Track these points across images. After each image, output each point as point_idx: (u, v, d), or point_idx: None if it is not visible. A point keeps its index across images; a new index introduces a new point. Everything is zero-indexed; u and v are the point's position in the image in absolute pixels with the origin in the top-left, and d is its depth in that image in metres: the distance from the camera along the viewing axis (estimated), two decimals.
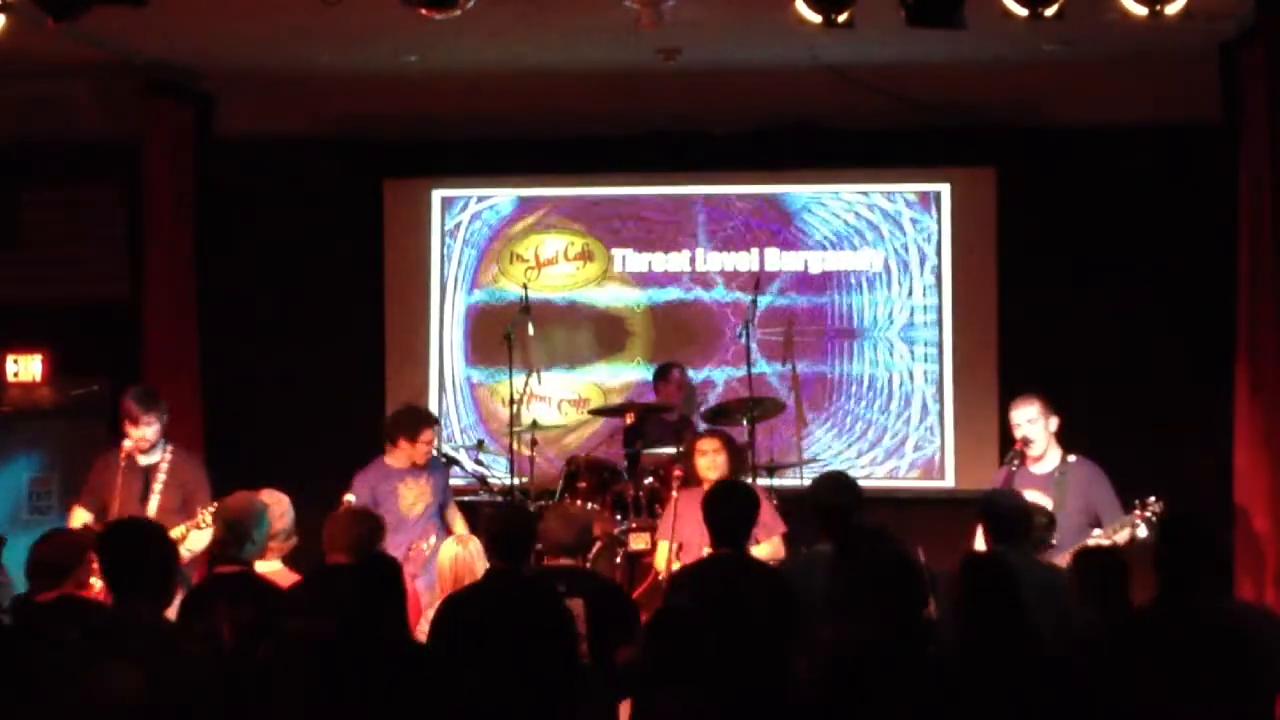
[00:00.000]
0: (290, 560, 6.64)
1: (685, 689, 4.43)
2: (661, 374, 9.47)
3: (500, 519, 6.09)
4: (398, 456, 7.89)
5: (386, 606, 4.97)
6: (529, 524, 6.02)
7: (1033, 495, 7.21)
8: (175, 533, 7.11)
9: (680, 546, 7.30)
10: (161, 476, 7.45)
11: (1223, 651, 4.64)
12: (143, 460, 7.44)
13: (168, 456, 7.51)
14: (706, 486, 7.34)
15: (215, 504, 7.22)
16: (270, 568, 6.39)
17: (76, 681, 4.49)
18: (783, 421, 9.31)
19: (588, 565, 7.83)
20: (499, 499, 8.73)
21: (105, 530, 5.47)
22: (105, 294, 9.86)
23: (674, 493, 7.62)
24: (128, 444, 7.40)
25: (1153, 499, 6.90)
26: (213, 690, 4.80)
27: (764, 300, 9.43)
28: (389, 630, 4.90)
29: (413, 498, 7.83)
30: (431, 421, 8.10)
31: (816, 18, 6.71)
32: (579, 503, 8.37)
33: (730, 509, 6.14)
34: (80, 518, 7.48)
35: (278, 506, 6.59)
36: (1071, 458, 7.28)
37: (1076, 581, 5.54)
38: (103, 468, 7.53)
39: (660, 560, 7.53)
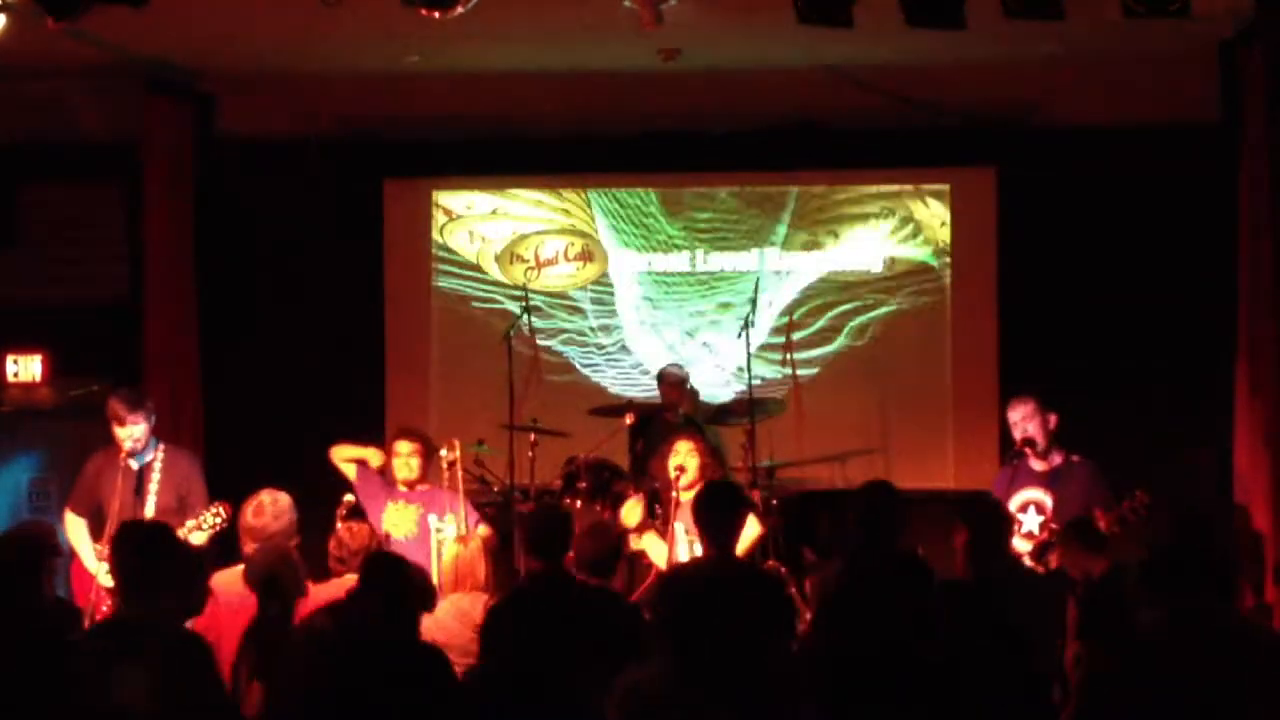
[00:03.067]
0: None
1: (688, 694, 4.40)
2: (660, 375, 9.47)
3: (539, 519, 6.12)
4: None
5: (393, 603, 4.98)
6: (568, 523, 6.06)
7: (1033, 493, 7.24)
8: (182, 532, 7.12)
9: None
10: (156, 476, 7.44)
11: (1259, 663, 4.56)
12: (135, 462, 7.43)
13: (160, 456, 7.50)
14: (679, 486, 7.38)
15: (216, 504, 7.23)
16: None
17: (83, 683, 4.51)
18: (783, 421, 9.31)
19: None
20: (499, 498, 8.73)
21: (119, 533, 5.48)
22: (105, 294, 9.85)
23: (674, 493, 7.62)
24: (127, 445, 7.39)
25: (1139, 493, 6.90)
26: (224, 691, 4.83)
27: (764, 299, 9.45)
28: (395, 627, 4.91)
29: (397, 519, 7.74)
30: (399, 434, 7.97)
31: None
32: (577, 503, 8.37)
33: (721, 510, 6.14)
34: (74, 523, 7.45)
35: (275, 506, 6.59)
36: (1075, 458, 7.29)
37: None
38: (96, 470, 7.51)
39: (656, 556, 7.54)
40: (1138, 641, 4.74)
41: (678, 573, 6.34)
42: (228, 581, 6.24)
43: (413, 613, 5.15)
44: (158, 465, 7.46)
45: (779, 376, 9.63)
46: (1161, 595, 4.80)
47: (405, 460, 7.78)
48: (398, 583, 5.24)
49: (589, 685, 4.59)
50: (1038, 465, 7.32)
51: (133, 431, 7.38)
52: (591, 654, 5.03)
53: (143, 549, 5.12)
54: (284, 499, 6.64)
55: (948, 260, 9.89)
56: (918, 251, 9.92)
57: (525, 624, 5.46)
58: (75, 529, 7.42)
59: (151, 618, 4.92)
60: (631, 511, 7.76)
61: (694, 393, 9.46)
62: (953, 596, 5.03)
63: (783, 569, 7.94)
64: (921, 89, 9.39)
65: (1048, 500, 7.19)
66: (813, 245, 9.98)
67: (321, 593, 6.11)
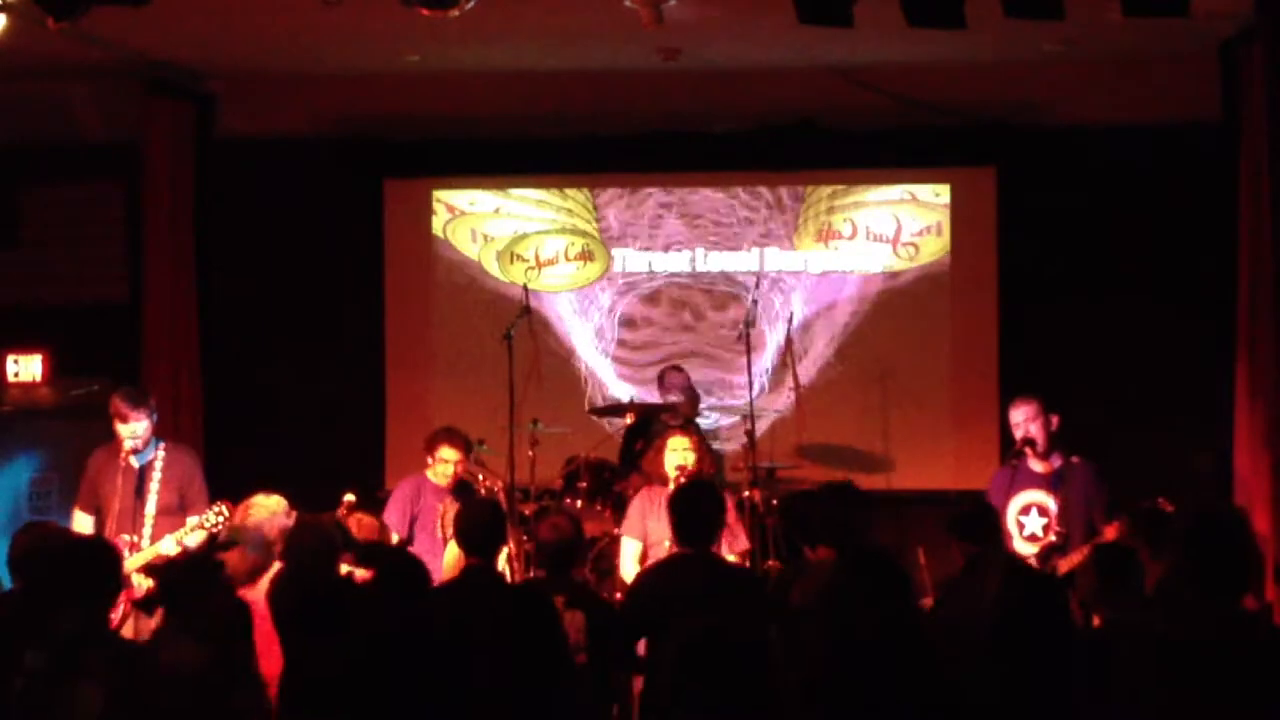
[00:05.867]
0: None
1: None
2: (660, 377, 9.47)
3: (469, 513, 6.11)
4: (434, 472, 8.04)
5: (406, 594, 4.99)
6: (499, 517, 6.08)
7: (1034, 494, 7.23)
8: (181, 533, 7.13)
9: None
10: (157, 475, 7.45)
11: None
12: (136, 460, 7.43)
13: (161, 454, 7.50)
14: (673, 484, 7.35)
15: (219, 504, 7.21)
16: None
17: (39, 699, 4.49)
18: (783, 421, 9.31)
19: (587, 572, 7.92)
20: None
21: (72, 547, 5.50)
22: (105, 294, 9.86)
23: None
24: (128, 444, 7.39)
25: (1160, 500, 6.90)
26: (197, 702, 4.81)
27: (764, 300, 9.45)
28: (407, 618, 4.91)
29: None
30: (448, 439, 8.07)
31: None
32: (577, 503, 8.36)
33: (699, 508, 6.12)
34: (81, 521, 7.47)
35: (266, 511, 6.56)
36: (1074, 459, 7.29)
37: (1093, 577, 5.52)
38: (98, 467, 7.52)
39: (630, 563, 7.54)
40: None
41: (652, 570, 6.33)
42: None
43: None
44: (159, 464, 7.46)
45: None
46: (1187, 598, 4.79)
47: (451, 465, 8.00)
48: (411, 574, 5.27)
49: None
50: (1038, 467, 7.30)
51: (135, 429, 7.39)
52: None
53: (90, 565, 5.13)
54: (276, 504, 6.61)
55: (948, 260, 9.89)
56: (917, 251, 9.91)
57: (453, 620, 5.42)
58: (82, 527, 7.43)
59: (92, 631, 4.91)
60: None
61: (694, 395, 9.45)
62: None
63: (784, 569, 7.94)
64: (921, 89, 9.40)
65: (1051, 503, 7.17)
66: (813, 245, 9.98)
67: None
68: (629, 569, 7.47)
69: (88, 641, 4.82)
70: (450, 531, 7.45)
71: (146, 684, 4.70)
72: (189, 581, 5.53)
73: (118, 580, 5.35)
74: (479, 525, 5.96)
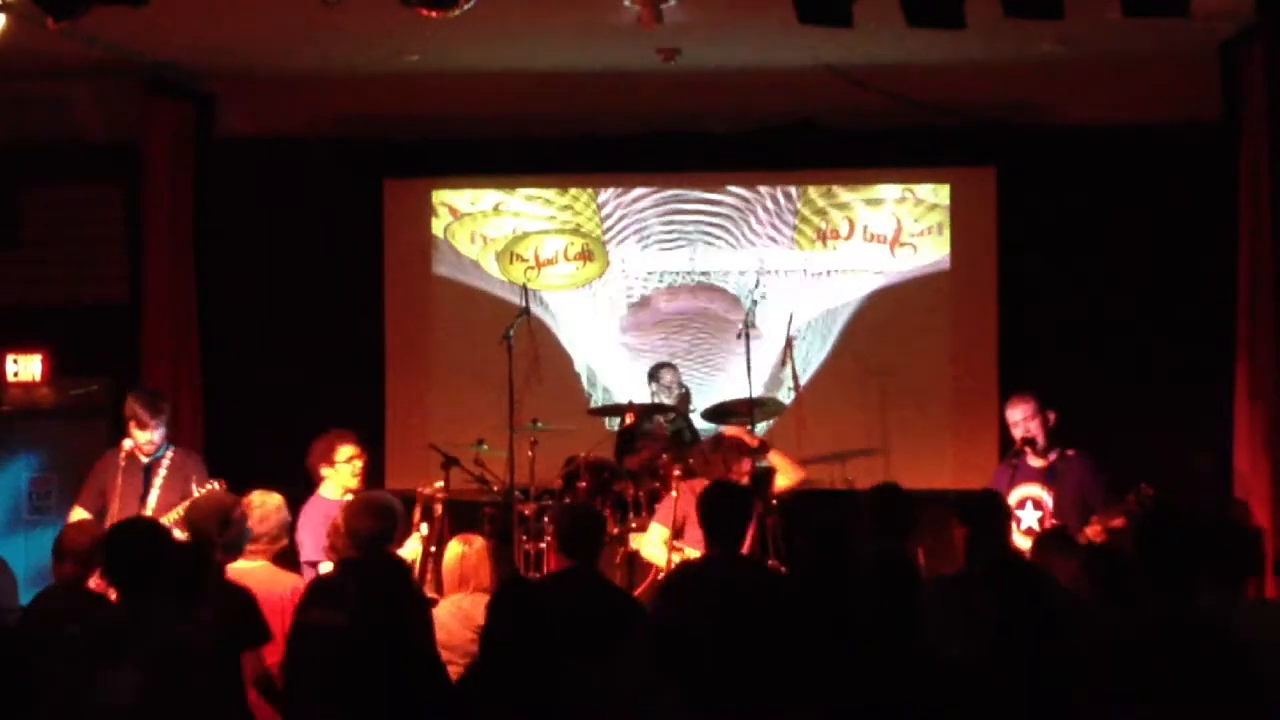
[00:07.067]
0: (281, 560, 6.61)
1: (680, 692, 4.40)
2: (652, 374, 9.47)
3: (571, 515, 6.18)
4: (329, 486, 7.50)
5: (396, 607, 4.98)
6: (600, 521, 6.13)
7: (1031, 489, 7.25)
8: (177, 512, 7.14)
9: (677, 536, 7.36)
10: (162, 473, 7.46)
11: (1206, 658, 4.55)
12: (143, 459, 7.44)
13: (170, 457, 7.52)
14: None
15: (212, 480, 7.20)
16: (252, 565, 6.33)
17: (76, 681, 4.50)
18: (783, 421, 9.31)
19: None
20: (499, 499, 8.72)
21: (116, 530, 5.48)
22: (105, 294, 9.86)
23: (673, 492, 7.61)
24: (128, 444, 7.40)
25: (1143, 485, 6.90)
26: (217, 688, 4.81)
27: (763, 299, 9.45)
28: (398, 630, 4.90)
29: None
30: (348, 438, 7.65)
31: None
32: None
33: (727, 509, 6.16)
34: (79, 517, 7.47)
35: (261, 508, 6.52)
36: (1069, 451, 7.31)
37: (1088, 580, 5.52)
38: (103, 468, 7.53)
39: (652, 544, 7.54)
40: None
41: (684, 571, 6.35)
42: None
43: (409, 612, 5.17)
44: (165, 465, 7.48)
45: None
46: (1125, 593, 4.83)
47: (353, 466, 7.57)
48: (400, 583, 5.27)
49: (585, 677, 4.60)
50: (1035, 462, 7.33)
51: (154, 436, 7.42)
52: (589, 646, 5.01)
53: (136, 548, 5.11)
54: (271, 501, 6.59)
55: (948, 260, 9.89)
56: (917, 251, 9.91)
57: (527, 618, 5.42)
58: None
59: (144, 618, 4.90)
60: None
61: (686, 393, 9.44)
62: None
63: (783, 569, 7.94)
64: (921, 89, 9.39)
65: (1046, 496, 7.20)
66: (812, 245, 9.98)
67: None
68: (650, 550, 7.59)
69: (130, 627, 4.83)
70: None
71: (170, 667, 4.71)
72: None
73: (156, 565, 5.30)
74: (578, 526, 6.03)
